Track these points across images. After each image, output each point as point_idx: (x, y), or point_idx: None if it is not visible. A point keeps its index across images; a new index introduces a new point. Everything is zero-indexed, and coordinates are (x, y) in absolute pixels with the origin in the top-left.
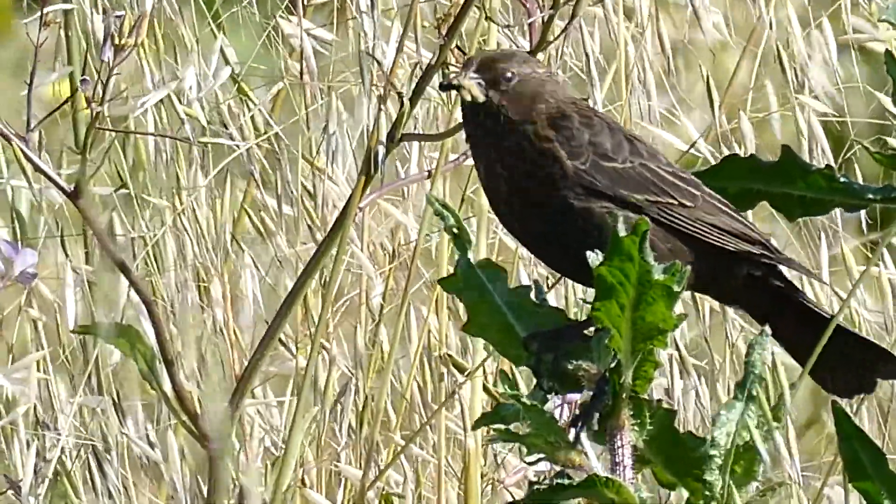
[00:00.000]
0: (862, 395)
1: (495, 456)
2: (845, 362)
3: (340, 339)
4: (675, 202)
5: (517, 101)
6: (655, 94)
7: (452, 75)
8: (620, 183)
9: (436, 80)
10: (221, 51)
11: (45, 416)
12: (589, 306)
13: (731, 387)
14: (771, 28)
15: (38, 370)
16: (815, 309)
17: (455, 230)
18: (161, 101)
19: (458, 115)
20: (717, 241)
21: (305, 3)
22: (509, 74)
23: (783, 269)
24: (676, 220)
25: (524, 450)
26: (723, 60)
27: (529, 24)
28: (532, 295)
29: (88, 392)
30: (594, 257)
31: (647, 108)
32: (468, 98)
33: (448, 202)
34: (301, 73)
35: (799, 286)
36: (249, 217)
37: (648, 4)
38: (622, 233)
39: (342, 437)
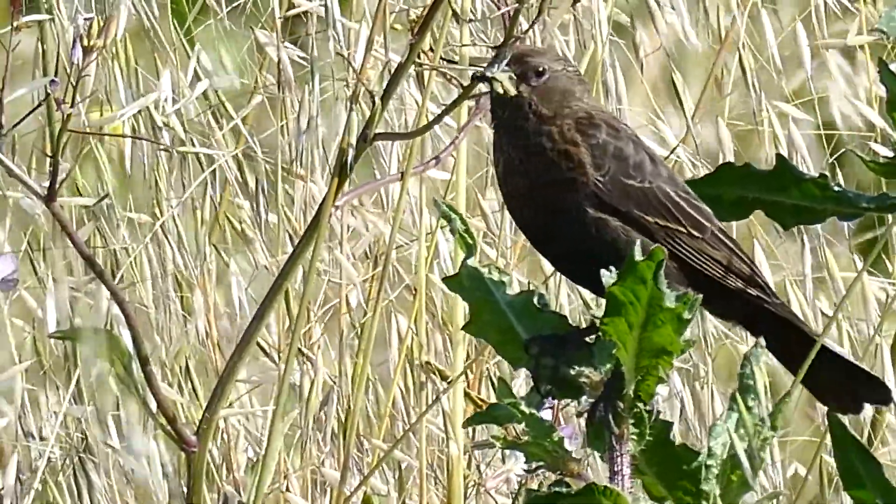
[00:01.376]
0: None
1: (478, 465)
2: (837, 383)
3: (327, 348)
4: (684, 230)
5: (548, 98)
6: (626, 99)
7: (484, 67)
8: (634, 202)
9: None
10: (198, 61)
11: (31, 426)
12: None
13: (714, 392)
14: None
15: (23, 380)
16: (811, 334)
17: (462, 232)
18: (139, 112)
19: (431, 115)
20: (716, 276)
21: (281, 15)
22: (542, 69)
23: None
24: (681, 248)
25: (507, 454)
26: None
27: (502, 17)
28: (535, 299)
29: (73, 402)
30: (608, 276)
31: (618, 112)
32: (500, 91)
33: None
34: (279, 84)
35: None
36: (232, 225)
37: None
38: (638, 256)
39: (326, 444)
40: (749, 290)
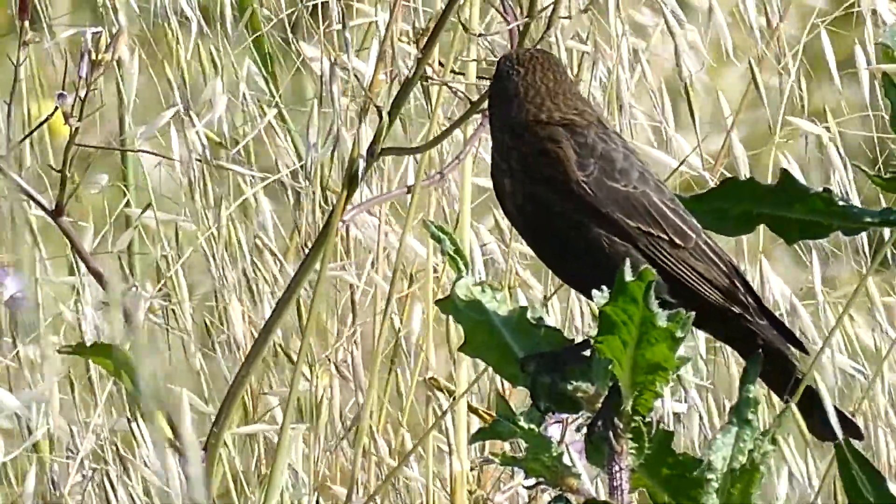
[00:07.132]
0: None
1: (478, 478)
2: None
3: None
4: (666, 238)
5: (513, 97)
6: (640, 113)
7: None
8: (617, 205)
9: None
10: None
11: (67, 440)
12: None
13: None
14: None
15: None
16: (791, 367)
17: (452, 253)
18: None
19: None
20: (696, 288)
21: (326, 28)
22: (505, 67)
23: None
24: (661, 256)
25: (516, 469)
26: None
27: (510, 31)
28: (528, 315)
29: (106, 414)
30: (600, 296)
31: (633, 126)
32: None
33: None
34: (320, 98)
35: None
36: (262, 241)
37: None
38: (628, 276)
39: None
40: (732, 307)
